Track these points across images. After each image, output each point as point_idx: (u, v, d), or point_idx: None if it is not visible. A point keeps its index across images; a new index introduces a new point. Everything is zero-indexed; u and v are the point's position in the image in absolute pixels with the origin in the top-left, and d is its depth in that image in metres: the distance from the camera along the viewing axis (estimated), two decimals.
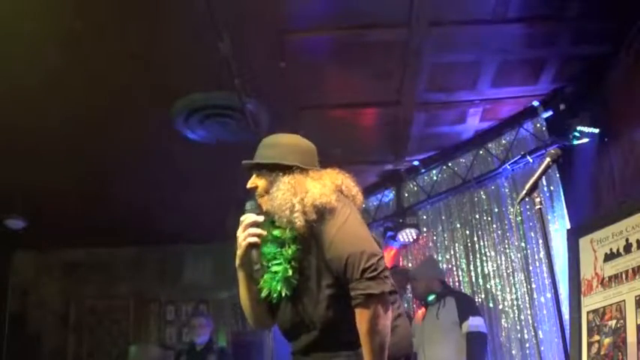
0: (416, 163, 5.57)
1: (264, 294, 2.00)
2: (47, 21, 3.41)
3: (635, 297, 3.25)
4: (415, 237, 5.51)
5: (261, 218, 2.01)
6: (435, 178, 5.61)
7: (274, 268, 1.97)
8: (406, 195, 5.82)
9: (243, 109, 4.21)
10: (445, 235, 5.50)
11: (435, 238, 5.60)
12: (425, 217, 5.73)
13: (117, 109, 4.28)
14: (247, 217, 2.02)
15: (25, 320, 7.11)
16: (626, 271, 3.37)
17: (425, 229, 5.64)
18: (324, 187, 1.96)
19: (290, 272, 1.95)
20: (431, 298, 4.40)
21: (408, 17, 3.60)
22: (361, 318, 1.82)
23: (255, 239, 1.97)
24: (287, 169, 2.03)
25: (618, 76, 4.01)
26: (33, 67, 3.78)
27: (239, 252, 2.01)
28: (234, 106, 4.27)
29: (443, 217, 5.57)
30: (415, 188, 5.77)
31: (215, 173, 5.31)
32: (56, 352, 7.07)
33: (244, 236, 1.98)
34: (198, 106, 4.34)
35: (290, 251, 1.96)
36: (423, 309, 4.50)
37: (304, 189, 1.94)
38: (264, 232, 2.00)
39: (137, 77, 3.96)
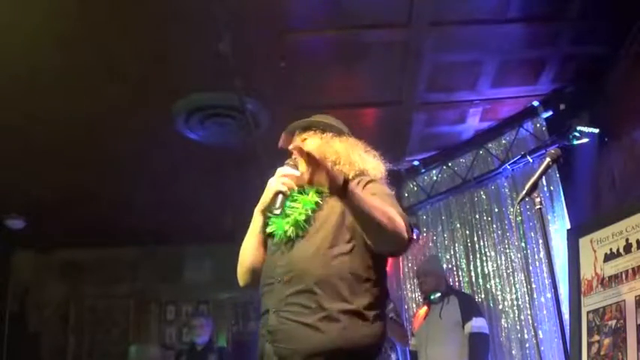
0: (416, 163, 5.57)
1: (269, 229, 2.07)
2: (47, 21, 3.41)
3: (635, 297, 3.25)
4: (415, 237, 5.51)
5: (297, 173, 2.02)
6: (435, 178, 5.61)
7: (290, 210, 2.03)
8: (406, 195, 5.82)
9: (243, 109, 4.21)
10: (445, 235, 5.50)
11: (435, 238, 5.59)
12: (425, 217, 5.73)
13: (117, 109, 4.28)
14: (284, 168, 2.09)
15: (25, 320, 7.11)
16: (626, 271, 3.37)
17: (425, 229, 5.64)
18: (376, 159, 2.19)
19: (303, 217, 2.00)
20: (435, 296, 4.40)
21: (408, 17, 3.60)
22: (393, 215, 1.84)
23: (285, 188, 2.02)
24: (341, 133, 2.24)
25: (618, 76, 4.01)
26: (32, 68, 3.78)
27: (266, 197, 2.07)
28: (234, 106, 4.28)
29: (443, 217, 5.56)
30: (415, 188, 5.77)
31: (215, 174, 5.31)
32: (56, 352, 7.06)
33: (278, 182, 2.04)
34: (198, 106, 4.34)
35: (311, 200, 2.03)
36: (426, 307, 4.50)
37: (356, 151, 2.16)
38: (295, 186, 2.03)
39: (137, 77, 3.96)
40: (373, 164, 2.17)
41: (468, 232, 5.29)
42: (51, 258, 7.26)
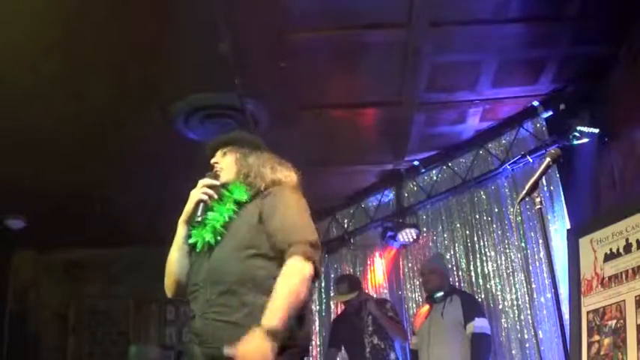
0: (416, 163, 5.57)
1: (192, 241, 2.21)
2: (47, 20, 3.41)
3: (635, 297, 3.25)
4: (415, 237, 5.51)
5: (217, 183, 2.27)
6: (435, 178, 5.61)
7: (208, 220, 2.18)
8: (406, 195, 5.82)
9: (243, 109, 4.21)
10: (445, 235, 5.49)
11: (435, 238, 5.59)
12: (425, 217, 5.72)
13: (117, 109, 4.28)
14: (205, 179, 2.29)
15: (25, 320, 7.11)
16: (626, 271, 3.38)
17: (425, 229, 5.64)
18: (288, 169, 2.31)
19: (220, 224, 2.14)
20: (438, 295, 4.41)
21: (408, 17, 3.60)
22: (290, 269, 1.96)
23: (206, 197, 2.23)
24: (256, 149, 2.37)
25: (618, 76, 4.01)
26: (33, 68, 3.78)
27: (188, 207, 2.27)
28: (234, 106, 4.28)
29: (443, 217, 5.56)
30: (415, 188, 5.77)
31: None
32: (56, 352, 7.06)
33: (199, 192, 2.24)
34: (198, 106, 4.34)
35: (229, 209, 2.17)
36: (428, 306, 4.50)
37: (271, 164, 2.29)
38: (215, 195, 2.23)
39: (137, 77, 3.96)
40: (285, 174, 2.29)
41: (468, 232, 5.28)
42: (51, 258, 7.26)
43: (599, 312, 3.45)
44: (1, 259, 7.00)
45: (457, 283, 5.19)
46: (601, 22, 3.74)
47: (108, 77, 3.94)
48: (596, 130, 4.14)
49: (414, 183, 5.76)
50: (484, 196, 5.21)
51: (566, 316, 3.65)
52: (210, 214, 2.19)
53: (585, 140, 4.19)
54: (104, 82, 3.98)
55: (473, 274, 5.14)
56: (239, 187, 2.23)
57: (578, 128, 4.16)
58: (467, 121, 4.87)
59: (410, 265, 5.80)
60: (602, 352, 3.33)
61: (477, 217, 5.23)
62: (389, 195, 5.96)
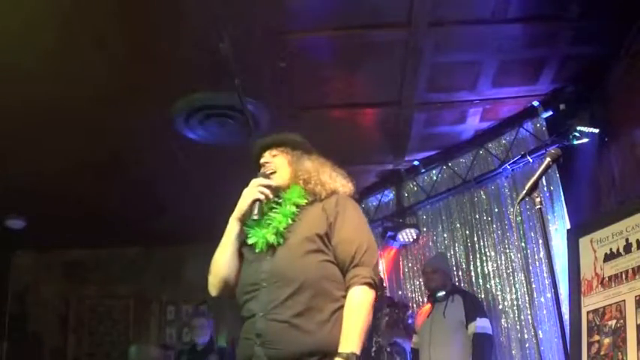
0: (416, 163, 5.57)
1: (251, 241, 2.16)
2: (47, 21, 3.41)
3: (635, 297, 3.25)
4: (415, 237, 5.51)
5: (272, 183, 2.23)
6: (435, 178, 5.61)
7: (270, 220, 2.16)
8: (406, 195, 5.82)
9: (243, 109, 4.21)
10: (445, 235, 5.49)
11: (435, 238, 5.59)
12: (425, 217, 5.72)
13: (117, 109, 4.28)
14: (259, 179, 2.24)
15: (25, 320, 7.11)
16: (626, 271, 3.37)
17: (425, 229, 5.64)
18: (344, 178, 2.31)
19: (283, 226, 2.13)
20: (440, 294, 4.41)
21: (408, 17, 3.60)
22: (361, 298, 2.00)
23: (262, 196, 2.18)
24: (310, 151, 2.35)
25: (618, 76, 4.01)
26: (33, 68, 3.78)
27: (243, 205, 2.21)
28: (234, 106, 4.28)
29: (443, 217, 5.56)
30: (415, 188, 5.77)
31: (215, 173, 5.31)
32: (56, 352, 7.07)
33: (255, 191, 2.19)
34: (198, 106, 4.34)
35: (289, 211, 2.16)
36: (429, 305, 4.50)
37: (329, 171, 2.29)
38: (271, 195, 2.21)
39: (137, 77, 3.96)
40: (342, 182, 2.29)
41: (468, 232, 5.29)
42: (51, 258, 7.27)
43: (599, 312, 3.45)
44: (1, 259, 7.01)
45: (457, 284, 5.19)
46: (601, 22, 3.74)
47: (108, 77, 3.94)
48: (596, 130, 4.14)
49: (414, 183, 5.76)
50: (484, 196, 5.21)
51: (566, 316, 3.65)
52: (272, 215, 2.17)
53: (585, 140, 4.18)
54: (104, 81, 3.98)
55: (473, 274, 5.14)
56: (297, 190, 2.23)
57: (578, 128, 4.16)
58: (467, 121, 4.87)
59: (410, 265, 5.80)
60: (602, 352, 3.33)
61: (477, 217, 5.23)
62: (389, 195, 5.97)
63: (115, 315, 7.25)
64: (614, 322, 3.32)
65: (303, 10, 3.50)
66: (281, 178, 2.27)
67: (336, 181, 2.27)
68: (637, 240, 3.38)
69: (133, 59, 3.79)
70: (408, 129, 4.88)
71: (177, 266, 7.26)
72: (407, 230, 5.45)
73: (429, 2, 3.49)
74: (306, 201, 2.20)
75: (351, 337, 1.93)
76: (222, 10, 3.34)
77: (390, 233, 5.55)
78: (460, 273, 5.25)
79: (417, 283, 5.62)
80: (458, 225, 5.41)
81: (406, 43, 3.82)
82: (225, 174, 5.34)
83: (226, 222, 2.29)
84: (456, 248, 5.36)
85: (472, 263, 5.17)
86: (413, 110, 4.62)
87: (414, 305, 5.55)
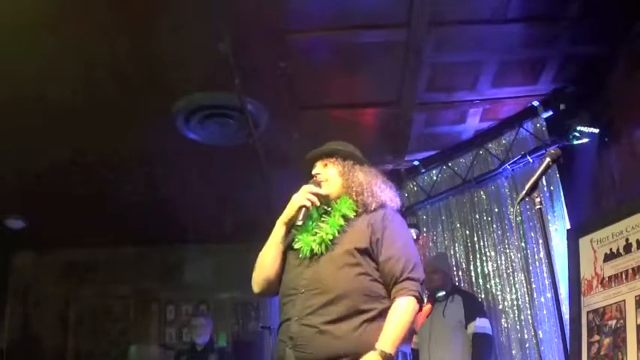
0: (416, 163, 5.57)
1: (297, 245, 2.27)
2: (48, 21, 3.41)
3: (635, 297, 3.25)
4: (415, 237, 5.50)
5: (321, 191, 2.33)
6: (435, 178, 5.60)
7: (317, 229, 2.26)
8: (406, 195, 5.82)
9: (243, 109, 4.21)
10: (445, 235, 5.49)
11: (435, 238, 5.59)
12: (425, 217, 5.72)
13: (117, 109, 4.28)
14: (309, 186, 2.33)
15: (25, 320, 7.11)
16: (626, 271, 3.38)
17: (425, 229, 5.64)
18: (392, 190, 2.44)
19: (330, 237, 2.22)
20: (440, 294, 4.41)
21: (408, 17, 3.59)
22: (408, 306, 2.11)
23: (309, 203, 2.28)
24: (361, 162, 2.44)
25: (618, 76, 4.00)
26: (32, 70, 3.78)
27: (290, 210, 2.30)
28: (234, 106, 4.28)
29: (443, 217, 5.56)
30: (415, 188, 5.77)
31: (215, 174, 5.31)
32: (56, 352, 7.06)
33: (303, 197, 2.29)
34: (198, 106, 4.34)
35: (338, 222, 2.26)
36: (429, 305, 4.50)
37: (377, 182, 2.38)
38: (318, 203, 2.31)
39: (137, 77, 3.96)
40: (390, 196, 2.41)
41: (467, 232, 5.28)
42: (51, 258, 7.26)
43: (599, 312, 3.45)
44: (1, 259, 7.00)
45: (457, 283, 5.19)
46: (601, 22, 3.74)
47: (108, 77, 3.94)
48: (596, 130, 4.14)
49: (414, 183, 5.76)
50: (484, 196, 5.21)
51: (566, 316, 3.65)
52: (320, 225, 2.26)
53: (585, 140, 4.18)
54: (104, 82, 3.98)
55: (473, 274, 5.14)
56: (347, 202, 2.31)
57: (578, 128, 4.16)
58: (467, 121, 4.87)
59: None
60: (602, 352, 3.33)
61: (477, 217, 5.23)
62: None
63: (115, 315, 7.25)
64: (614, 322, 3.32)
65: (304, 10, 3.50)
66: (331, 187, 2.36)
67: (386, 194, 2.38)
68: (637, 240, 3.38)
69: (133, 59, 3.79)
70: (408, 129, 4.88)
71: (177, 266, 7.26)
72: None
73: (429, 2, 3.49)
74: (354, 213, 2.29)
75: (390, 338, 2.04)
76: (222, 10, 3.34)
77: None
78: (460, 273, 5.25)
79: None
80: (458, 225, 5.40)
81: (406, 43, 3.82)
82: (225, 174, 5.36)
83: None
84: (456, 248, 5.36)
85: (472, 263, 5.17)
86: (413, 110, 4.62)
87: None
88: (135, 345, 7.00)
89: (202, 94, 4.23)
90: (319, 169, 2.42)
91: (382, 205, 2.32)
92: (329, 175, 2.38)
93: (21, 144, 4.66)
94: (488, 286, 5.00)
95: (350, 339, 2.06)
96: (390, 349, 2.02)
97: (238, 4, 3.37)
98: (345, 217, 2.27)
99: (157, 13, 3.44)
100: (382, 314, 2.14)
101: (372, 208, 2.29)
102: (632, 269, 3.34)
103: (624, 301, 3.31)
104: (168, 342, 7.11)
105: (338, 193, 2.35)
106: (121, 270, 7.25)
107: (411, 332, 2.14)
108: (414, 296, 2.13)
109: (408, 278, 2.15)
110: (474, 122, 4.90)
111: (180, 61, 3.83)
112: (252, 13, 3.46)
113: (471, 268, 5.16)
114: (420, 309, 2.19)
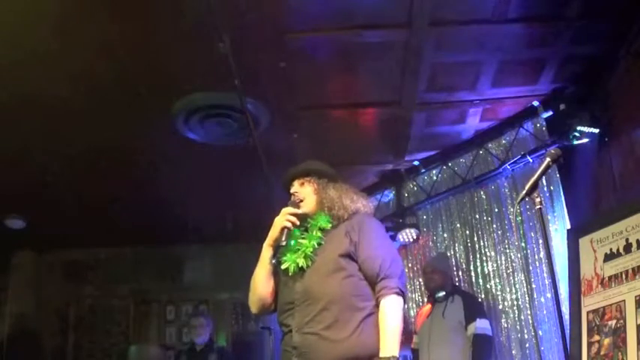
0: (416, 163, 5.57)
1: (284, 266, 2.41)
2: (48, 22, 3.41)
3: (635, 297, 3.25)
4: (415, 237, 5.51)
5: (299, 211, 2.50)
6: (435, 178, 5.60)
7: (299, 245, 2.41)
8: (406, 195, 5.82)
9: (243, 109, 4.21)
10: (445, 235, 5.49)
11: (435, 238, 5.59)
12: (425, 217, 5.72)
13: (117, 109, 4.28)
14: (288, 208, 2.49)
15: (25, 320, 7.11)
16: (626, 271, 3.37)
17: (425, 229, 5.64)
18: (365, 199, 2.61)
19: (310, 250, 2.38)
20: (440, 294, 4.40)
21: (408, 17, 3.60)
22: (392, 307, 2.25)
23: (289, 224, 2.45)
24: (334, 180, 2.60)
25: (618, 76, 4.01)
26: (33, 73, 3.78)
27: (273, 232, 2.47)
28: (234, 106, 4.28)
29: (443, 217, 5.56)
30: (415, 188, 5.77)
31: (215, 174, 5.31)
32: (56, 352, 7.06)
33: (283, 219, 2.45)
34: (198, 106, 4.34)
35: (316, 236, 2.42)
36: (429, 305, 4.49)
37: (351, 195, 2.56)
38: (298, 222, 2.47)
39: (137, 77, 3.96)
40: (363, 203, 2.58)
41: (468, 232, 5.28)
42: (51, 258, 7.26)
43: (599, 312, 3.45)
44: (1, 259, 7.00)
45: (457, 283, 5.19)
46: (601, 22, 3.74)
47: (107, 77, 3.94)
48: (596, 130, 4.14)
49: (414, 183, 5.76)
50: (484, 196, 5.21)
51: (566, 316, 3.64)
52: (300, 242, 2.43)
53: (585, 140, 4.18)
54: (105, 82, 3.98)
55: (473, 274, 5.14)
56: (323, 217, 2.48)
57: (578, 128, 4.16)
58: (467, 121, 4.87)
59: (410, 265, 5.80)
60: (602, 352, 3.32)
61: (477, 217, 5.23)
62: (389, 195, 5.96)
63: (114, 315, 7.24)
64: (614, 322, 3.32)
65: (303, 10, 3.51)
66: (308, 205, 2.54)
67: (358, 203, 2.54)
68: (637, 240, 3.38)
69: (133, 59, 3.79)
70: (408, 129, 4.88)
71: (177, 266, 7.26)
72: (407, 230, 5.44)
73: (429, 2, 3.49)
74: (331, 225, 2.46)
75: (389, 342, 2.18)
76: (222, 10, 3.34)
77: (390, 233, 5.54)
78: (460, 273, 5.25)
79: (417, 283, 5.62)
80: (458, 225, 5.40)
81: (406, 43, 3.82)
82: (226, 174, 5.36)
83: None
84: (456, 248, 5.36)
85: (472, 263, 5.17)
86: (413, 110, 4.62)
87: (414, 305, 5.55)
88: (135, 345, 6.99)
89: (202, 94, 4.23)
90: (297, 187, 2.59)
91: (355, 212, 2.49)
92: (306, 192, 2.56)
93: (21, 144, 4.66)
94: (488, 286, 5.00)
95: (350, 341, 2.20)
96: (391, 352, 2.17)
97: (238, 4, 3.37)
98: (322, 229, 2.44)
99: (157, 13, 3.44)
100: (376, 308, 2.30)
101: (346, 217, 2.46)
102: (632, 269, 3.34)
103: (624, 301, 3.31)
104: (168, 342, 7.10)
105: (314, 209, 2.52)
106: (121, 270, 7.25)
107: (409, 330, 2.24)
108: (395, 293, 2.27)
109: (385, 276, 2.30)
110: (474, 122, 4.90)
111: (180, 61, 3.83)
112: (252, 13, 3.46)
113: (471, 268, 5.17)
114: (405, 300, 2.32)
